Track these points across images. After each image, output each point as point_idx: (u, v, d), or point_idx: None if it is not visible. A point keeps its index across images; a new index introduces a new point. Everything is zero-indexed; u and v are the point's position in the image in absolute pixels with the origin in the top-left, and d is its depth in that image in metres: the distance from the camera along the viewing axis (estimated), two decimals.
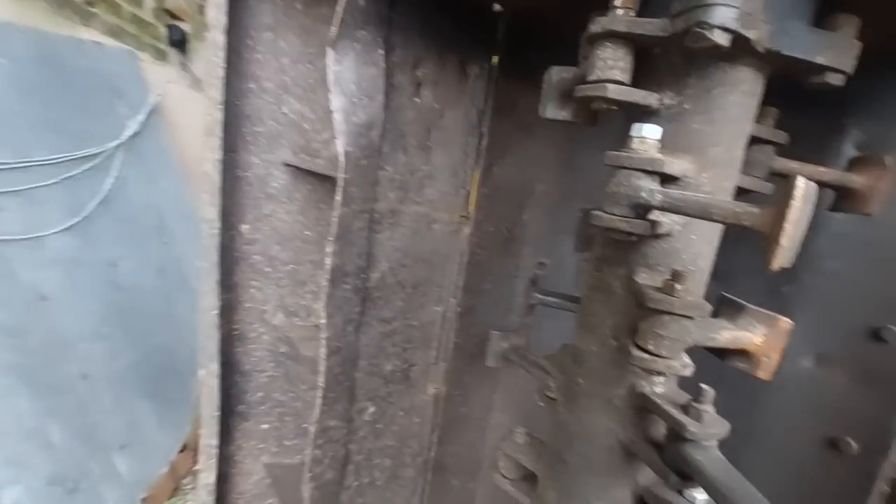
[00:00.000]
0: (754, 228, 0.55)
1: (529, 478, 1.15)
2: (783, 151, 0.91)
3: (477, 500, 1.66)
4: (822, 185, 0.94)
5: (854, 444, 1.08)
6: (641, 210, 0.68)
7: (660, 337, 0.70)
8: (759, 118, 0.85)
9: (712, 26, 0.60)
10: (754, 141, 0.85)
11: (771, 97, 0.81)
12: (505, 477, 1.16)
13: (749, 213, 0.56)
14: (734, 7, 0.60)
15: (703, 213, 0.60)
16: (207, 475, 1.28)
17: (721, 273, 1.24)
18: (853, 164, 0.88)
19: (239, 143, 1.16)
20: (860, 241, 1.07)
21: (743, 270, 1.24)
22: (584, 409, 0.88)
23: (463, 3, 1.09)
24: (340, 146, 0.89)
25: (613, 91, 0.71)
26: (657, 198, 0.65)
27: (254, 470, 1.38)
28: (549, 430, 1.02)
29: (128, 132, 2.93)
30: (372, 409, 1.30)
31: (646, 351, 0.72)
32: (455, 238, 1.29)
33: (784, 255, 0.51)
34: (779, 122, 0.87)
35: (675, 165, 0.69)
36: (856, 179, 0.84)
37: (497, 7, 1.16)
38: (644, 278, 0.78)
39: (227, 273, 1.23)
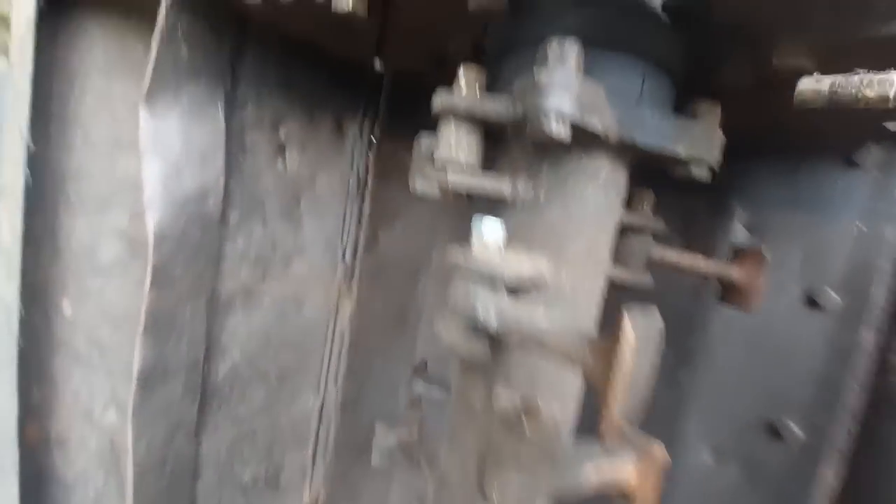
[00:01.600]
0: (586, 377, 0.44)
1: None
2: (676, 231, 0.84)
3: None
4: (704, 276, 0.88)
5: None
6: (481, 328, 0.55)
7: (506, 486, 0.56)
8: (633, 203, 0.78)
9: (548, 114, 0.51)
10: (628, 229, 0.77)
11: (650, 177, 0.74)
12: None
13: (580, 352, 0.44)
14: (570, 94, 0.51)
15: (539, 346, 0.48)
16: None
17: None
18: (735, 256, 0.81)
19: (60, 204, 0.96)
20: (750, 328, 1.01)
21: None
22: None
23: (335, 58, 0.98)
24: (151, 220, 0.72)
25: (456, 178, 0.61)
26: (492, 317, 0.52)
27: None
28: None
29: None
30: None
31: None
32: (333, 318, 1.13)
33: (616, 409, 0.39)
34: (656, 207, 0.80)
35: (522, 267, 0.58)
36: (734, 273, 0.78)
37: (378, 65, 1.06)
38: (504, 398, 0.65)
39: (41, 363, 1.00)
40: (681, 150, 0.60)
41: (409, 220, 1.21)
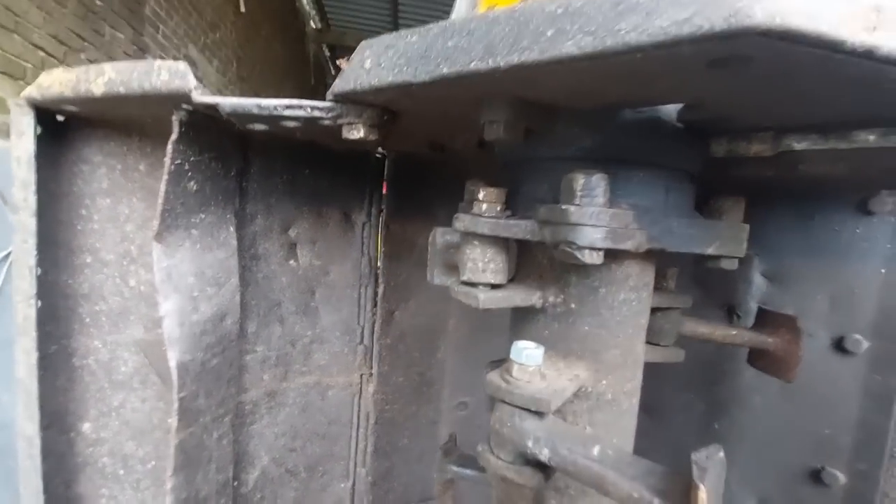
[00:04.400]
0: None
1: None
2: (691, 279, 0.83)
3: None
4: (734, 345, 0.87)
5: None
6: (531, 458, 0.54)
7: None
8: (658, 283, 0.77)
9: (580, 247, 0.51)
10: (657, 310, 0.76)
11: None
12: None
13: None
14: (602, 227, 0.50)
15: (597, 488, 0.47)
16: None
17: (651, 408, 1.14)
18: (765, 320, 0.81)
19: (75, 326, 0.95)
20: None
21: (673, 406, 1.15)
22: None
23: (338, 154, 0.98)
24: (173, 359, 0.71)
25: (487, 300, 0.60)
26: (545, 453, 0.51)
27: None
28: None
29: None
30: None
31: None
32: (356, 400, 1.11)
33: None
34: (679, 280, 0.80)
35: (565, 389, 0.57)
36: (769, 342, 0.77)
37: (380, 152, 1.06)
38: None
39: (67, 485, 0.97)
40: (711, 250, 0.59)
41: (423, 293, 1.20)
